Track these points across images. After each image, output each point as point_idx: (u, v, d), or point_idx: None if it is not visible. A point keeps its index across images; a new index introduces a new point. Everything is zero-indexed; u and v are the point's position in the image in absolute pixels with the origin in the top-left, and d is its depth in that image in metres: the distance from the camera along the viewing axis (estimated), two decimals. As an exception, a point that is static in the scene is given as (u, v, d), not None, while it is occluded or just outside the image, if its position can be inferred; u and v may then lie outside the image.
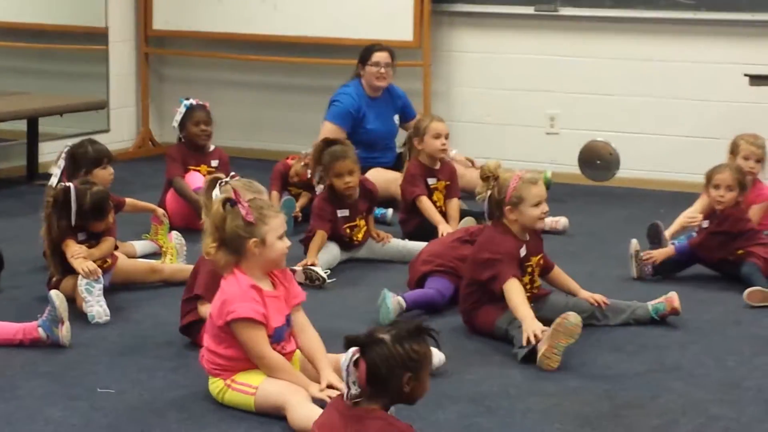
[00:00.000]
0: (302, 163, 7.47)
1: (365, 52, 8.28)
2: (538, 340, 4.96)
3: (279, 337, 4.49)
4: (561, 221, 7.42)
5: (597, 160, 8.50)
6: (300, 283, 5.95)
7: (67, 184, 5.87)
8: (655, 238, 6.66)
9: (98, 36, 9.76)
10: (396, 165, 8.22)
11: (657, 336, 5.41)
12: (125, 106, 10.02)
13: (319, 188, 6.65)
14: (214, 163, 7.48)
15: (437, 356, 4.86)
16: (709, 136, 8.75)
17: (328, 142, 6.71)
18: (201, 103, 7.53)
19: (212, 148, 7.54)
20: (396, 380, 3.60)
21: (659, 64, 8.92)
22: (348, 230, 6.62)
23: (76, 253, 5.68)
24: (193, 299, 5.13)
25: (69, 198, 5.78)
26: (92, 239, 5.86)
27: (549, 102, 9.21)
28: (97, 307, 5.50)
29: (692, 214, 6.61)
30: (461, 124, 9.39)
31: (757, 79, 7.86)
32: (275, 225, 4.49)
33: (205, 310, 4.94)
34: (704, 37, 8.81)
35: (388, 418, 3.64)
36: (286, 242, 4.55)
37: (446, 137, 7.17)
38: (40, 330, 5.10)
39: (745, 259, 6.16)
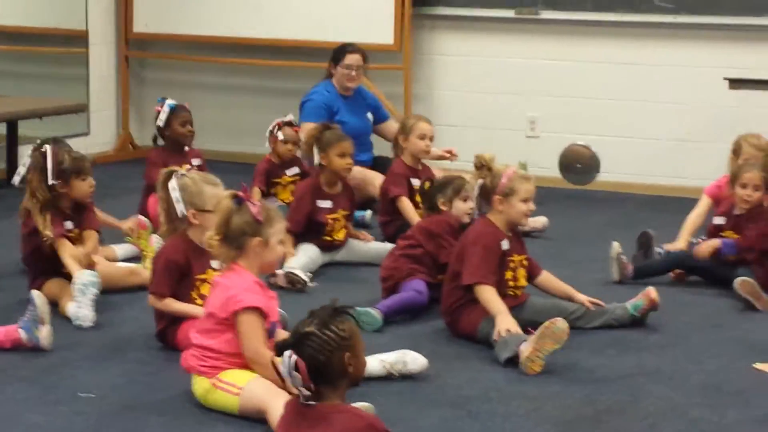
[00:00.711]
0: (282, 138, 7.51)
1: (338, 52, 8.30)
2: (511, 336, 5.02)
3: (272, 333, 4.53)
4: (540, 220, 7.44)
5: (577, 163, 8.51)
6: (281, 287, 5.97)
7: (43, 148, 5.85)
8: (645, 247, 6.64)
9: (78, 39, 9.73)
10: (375, 166, 8.23)
11: (637, 339, 5.41)
12: (105, 109, 9.99)
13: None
14: (196, 161, 7.46)
15: (419, 361, 4.86)
16: (689, 139, 8.78)
17: (326, 126, 6.76)
18: (182, 103, 7.51)
19: (187, 148, 7.52)
20: (338, 363, 3.61)
21: (640, 68, 8.95)
22: (331, 221, 6.63)
23: (73, 254, 5.66)
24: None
25: (45, 158, 5.77)
26: (78, 226, 5.84)
27: (529, 105, 9.22)
28: (85, 309, 5.47)
29: (701, 215, 6.58)
30: (442, 128, 9.34)
31: (737, 83, 7.91)
32: (279, 229, 4.58)
33: (165, 303, 5.03)
34: (685, 40, 8.84)
35: (353, 410, 3.64)
36: (283, 248, 4.63)
37: (431, 139, 7.18)
38: (21, 332, 5.08)
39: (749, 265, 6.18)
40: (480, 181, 5.43)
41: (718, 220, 6.39)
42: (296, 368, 3.59)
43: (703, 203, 6.78)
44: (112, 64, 10.06)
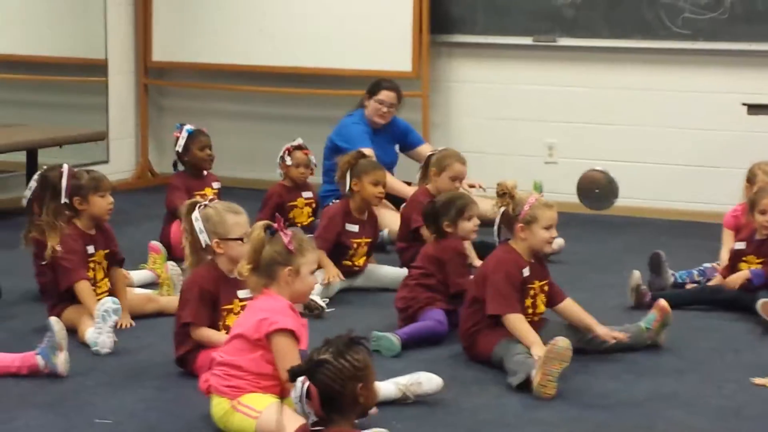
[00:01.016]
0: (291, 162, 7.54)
1: (374, 86, 8.30)
2: None
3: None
4: (558, 242, 7.43)
5: (595, 189, 8.48)
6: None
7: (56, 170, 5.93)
8: (656, 268, 6.63)
9: (98, 68, 9.79)
10: (389, 196, 8.25)
11: (654, 364, 5.40)
12: (124, 137, 10.04)
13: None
14: (216, 185, 7.49)
15: (434, 381, 4.86)
16: (707, 165, 8.77)
17: (361, 154, 6.78)
18: (200, 128, 7.54)
19: (205, 173, 7.54)
20: (350, 393, 3.66)
21: (657, 94, 8.95)
22: (355, 245, 6.66)
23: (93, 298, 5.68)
24: (185, 327, 5.12)
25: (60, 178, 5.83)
26: (99, 248, 5.87)
27: (547, 131, 9.23)
28: (104, 336, 5.47)
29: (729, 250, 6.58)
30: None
31: (755, 109, 7.88)
32: (311, 259, 4.57)
33: (202, 333, 4.97)
34: (702, 66, 8.84)
35: None
36: (316, 278, 4.61)
37: (461, 180, 7.15)
38: (39, 358, 5.09)
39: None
40: (502, 208, 5.41)
41: (739, 245, 6.38)
42: (308, 395, 3.60)
43: (727, 237, 6.82)
44: (131, 92, 10.12)
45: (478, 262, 6.75)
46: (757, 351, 5.65)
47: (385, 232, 7.62)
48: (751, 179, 6.85)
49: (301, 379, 3.64)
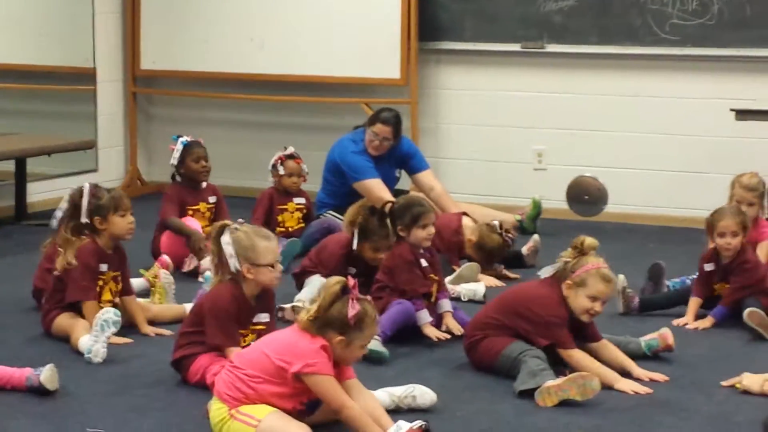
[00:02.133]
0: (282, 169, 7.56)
1: (373, 116, 8.23)
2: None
3: (314, 407, 4.59)
4: (533, 237, 7.49)
5: (585, 195, 8.52)
6: (290, 321, 5.97)
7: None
8: (656, 278, 6.62)
9: (86, 76, 9.78)
10: None
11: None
12: (113, 145, 10.02)
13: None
14: (212, 199, 7.49)
15: (428, 395, 4.87)
16: (696, 170, 8.79)
17: (372, 211, 6.28)
18: (196, 139, 7.53)
19: (205, 184, 7.54)
20: None
21: (645, 100, 8.97)
22: None
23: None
24: (190, 335, 5.12)
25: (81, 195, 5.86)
26: (113, 268, 5.86)
27: (536, 138, 9.24)
28: (99, 345, 5.45)
29: None
30: (449, 161, 9.42)
31: (743, 114, 7.91)
32: (368, 335, 4.55)
33: (233, 355, 4.89)
34: (690, 72, 8.86)
35: None
36: (364, 351, 4.61)
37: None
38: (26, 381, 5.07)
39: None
40: (567, 260, 5.29)
41: (709, 267, 6.28)
42: None
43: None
44: (119, 101, 10.11)
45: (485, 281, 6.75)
46: (748, 357, 5.66)
47: None
48: (731, 194, 6.84)
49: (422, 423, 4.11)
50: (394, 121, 8.16)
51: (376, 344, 5.46)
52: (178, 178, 7.49)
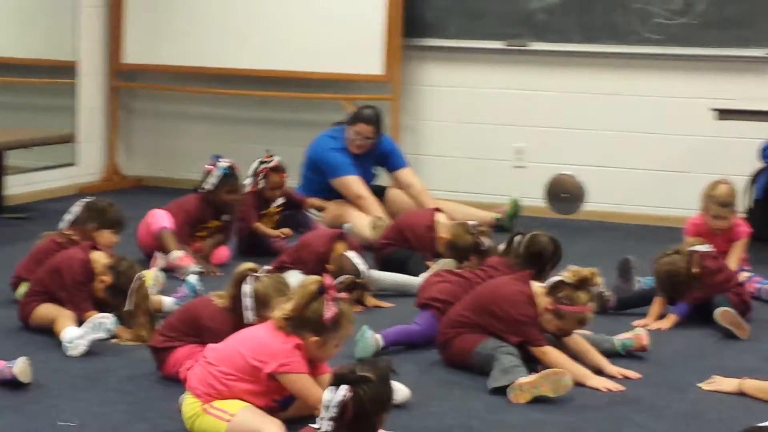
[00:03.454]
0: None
1: (354, 115, 8.26)
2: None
3: (287, 404, 4.57)
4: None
5: (564, 193, 8.53)
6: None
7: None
8: (625, 273, 6.64)
9: (67, 70, 9.76)
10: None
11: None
12: (93, 139, 10.00)
13: None
14: (225, 217, 7.40)
15: (401, 392, 4.85)
16: (676, 169, 8.81)
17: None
18: (232, 165, 7.37)
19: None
20: (374, 419, 3.70)
21: (627, 99, 8.98)
22: None
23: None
24: (183, 335, 5.09)
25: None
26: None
27: (516, 135, 9.25)
28: (83, 341, 5.43)
29: None
30: (430, 158, 9.43)
31: (723, 114, 7.91)
32: (343, 335, 4.53)
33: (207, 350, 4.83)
34: (671, 71, 8.88)
35: None
36: (338, 349, 4.57)
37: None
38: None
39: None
40: (563, 280, 5.24)
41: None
42: (342, 406, 3.63)
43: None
44: (100, 94, 10.08)
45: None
46: (720, 355, 5.69)
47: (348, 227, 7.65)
48: (704, 200, 6.83)
49: (345, 387, 3.66)
50: (375, 119, 8.18)
51: (368, 340, 5.45)
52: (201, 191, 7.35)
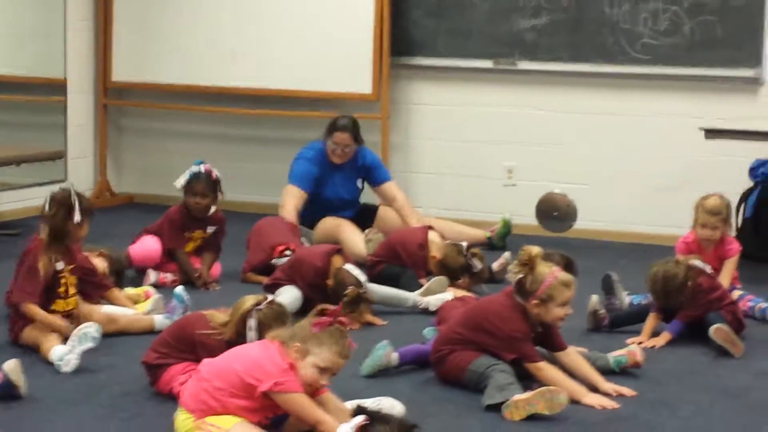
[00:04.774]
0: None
1: (330, 126, 8.23)
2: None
3: (280, 422, 4.57)
4: (504, 255, 7.52)
5: (554, 211, 8.53)
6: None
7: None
8: (608, 289, 6.67)
9: (57, 87, 9.75)
10: (361, 214, 8.27)
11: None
12: (83, 156, 9.99)
13: None
14: (211, 229, 7.36)
15: (396, 407, 4.84)
16: (665, 188, 8.83)
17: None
18: (206, 170, 7.30)
19: (212, 210, 7.33)
20: None
21: (616, 118, 9.01)
22: None
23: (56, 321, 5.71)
24: (175, 351, 5.07)
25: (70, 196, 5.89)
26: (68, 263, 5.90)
27: (507, 154, 9.27)
28: (73, 356, 5.43)
29: None
30: (419, 176, 9.44)
31: (712, 133, 7.95)
32: (324, 357, 4.47)
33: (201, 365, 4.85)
34: (660, 91, 8.91)
35: None
36: (324, 381, 4.51)
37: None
38: None
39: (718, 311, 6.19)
40: (519, 275, 5.26)
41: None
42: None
43: None
44: (90, 112, 10.09)
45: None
46: (714, 372, 5.69)
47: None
48: (695, 213, 6.85)
49: (362, 417, 3.95)
50: (351, 125, 8.19)
51: (381, 357, 5.45)
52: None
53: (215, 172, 7.34)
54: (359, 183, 8.42)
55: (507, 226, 8.46)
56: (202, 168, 7.30)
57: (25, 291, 5.75)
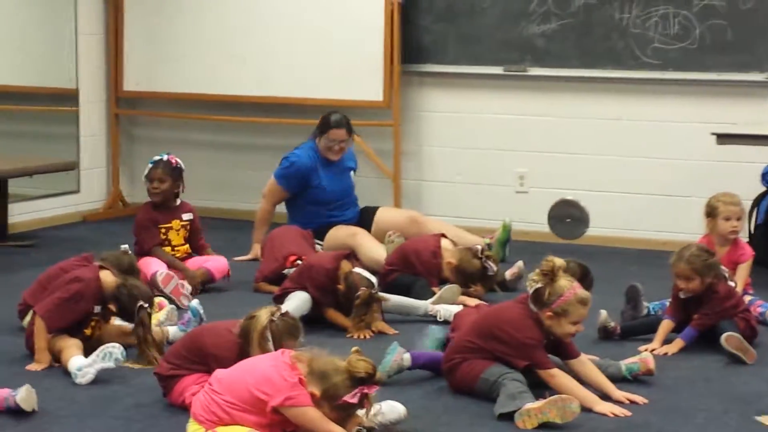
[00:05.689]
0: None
1: (323, 122, 8.22)
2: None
3: None
4: (517, 264, 7.51)
5: (567, 218, 8.51)
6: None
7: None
8: (633, 300, 6.63)
9: (68, 97, 9.78)
10: (360, 220, 8.27)
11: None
12: (95, 167, 10.01)
13: None
14: (186, 216, 7.43)
15: (396, 409, 4.85)
16: (677, 194, 8.81)
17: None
18: (167, 159, 7.45)
19: (179, 201, 7.48)
20: None
21: (627, 123, 9.00)
22: None
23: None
24: (189, 363, 5.08)
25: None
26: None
27: (518, 161, 9.26)
28: (92, 369, 5.44)
29: None
30: (431, 184, 9.44)
31: (723, 138, 7.93)
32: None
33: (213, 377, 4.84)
34: (671, 96, 8.89)
35: None
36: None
37: None
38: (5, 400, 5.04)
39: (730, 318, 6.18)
40: (539, 285, 5.23)
41: (683, 294, 6.24)
42: None
43: None
44: (102, 122, 10.10)
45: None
46: (727, 380, 5.67)
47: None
48: (711, 213, 6.84)
49: None
50: (345, 121, 8.22)
51: (393, 357, 5.45)
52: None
53: (177, 160, 7.47)
54: (351, 175, 8.43)
55: (507, 232, 8.38)
56: (165, 156, 7.44)
57: (53, 316, 5.71)
